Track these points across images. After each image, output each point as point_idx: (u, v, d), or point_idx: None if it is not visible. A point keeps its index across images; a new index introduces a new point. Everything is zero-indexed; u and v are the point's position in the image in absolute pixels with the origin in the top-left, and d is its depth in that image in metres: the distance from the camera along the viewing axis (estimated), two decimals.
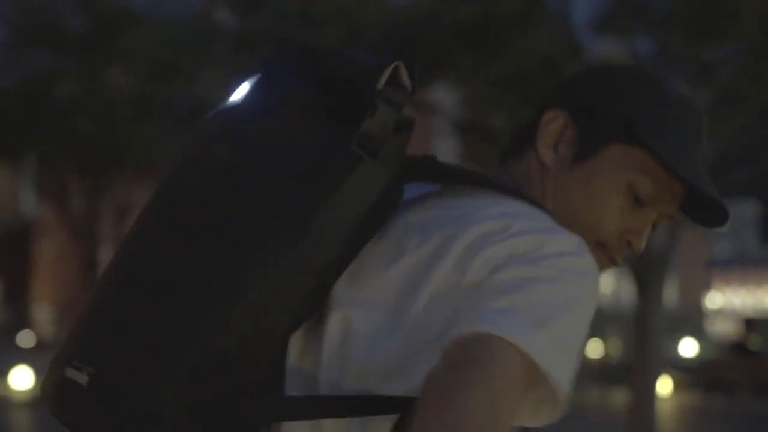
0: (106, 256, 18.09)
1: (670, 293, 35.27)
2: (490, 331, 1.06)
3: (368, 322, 1.16)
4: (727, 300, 43.23)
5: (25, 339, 27.44)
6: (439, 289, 1.14)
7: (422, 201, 1.26)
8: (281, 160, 1.15)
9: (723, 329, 41.15)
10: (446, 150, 33.66)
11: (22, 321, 31.73)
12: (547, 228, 1.18)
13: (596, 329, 30.17)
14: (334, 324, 1.18)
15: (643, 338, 10.60)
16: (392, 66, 1.18)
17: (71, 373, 1.12)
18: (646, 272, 10.53)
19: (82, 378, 1.10)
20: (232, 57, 10.46)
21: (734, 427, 14.69)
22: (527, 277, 1.11)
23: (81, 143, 16.45)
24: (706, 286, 43.45)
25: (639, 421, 10.37)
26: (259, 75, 1.23)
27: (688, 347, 24.03)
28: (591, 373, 26.30)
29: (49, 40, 16.47)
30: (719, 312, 43.34)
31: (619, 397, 16.27)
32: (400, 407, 1.11)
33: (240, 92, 1.22)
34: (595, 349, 29.39)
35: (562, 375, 1.08)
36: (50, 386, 1.15)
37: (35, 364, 18.81)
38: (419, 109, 12.89)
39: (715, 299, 43.64)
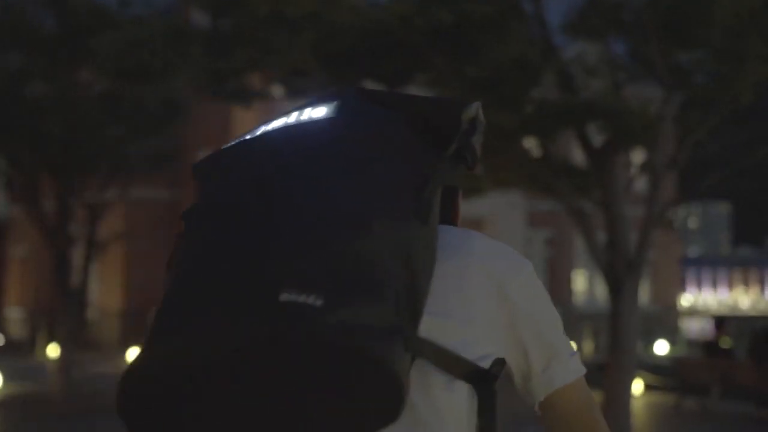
0: (77, 256, 17.90)
1: (643, 293, 35.40)
2: (573, 380, 1.79)
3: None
4: (699, 300, 43.51)
5: None
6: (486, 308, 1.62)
7: None
8: (393, 161, 1.50)
9: (695, 328, 41.42)
10: None
11: None
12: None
13: (570, 330, 30.20)
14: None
15: (617, 339, 10.62)
16: (478, 103, 1.63)
17: (299, 297, 1.33)
18: (620, 273, 10.54)
19: (317, 302, 1.33)
20: (204, 58, 10.38)
21: (708, 426, 14.76)
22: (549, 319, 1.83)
23: (52, 143, 16.28)
24: (679, 286, 43.73)
25: (613, 421, 10.38)
26: (342, 104, 1.58)
27: (661, 347, 24.11)
28: None
29: (19, 39, 16.30)
30: (691, 311, 43.60)
31: (594, 398, 16.30)
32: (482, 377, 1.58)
33: (323, 113, 1.57)
34: None
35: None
36: (269, 312, 1.33)
37: (4, 364, 18.62)
38: None
39: (687, 299, 43.93)
